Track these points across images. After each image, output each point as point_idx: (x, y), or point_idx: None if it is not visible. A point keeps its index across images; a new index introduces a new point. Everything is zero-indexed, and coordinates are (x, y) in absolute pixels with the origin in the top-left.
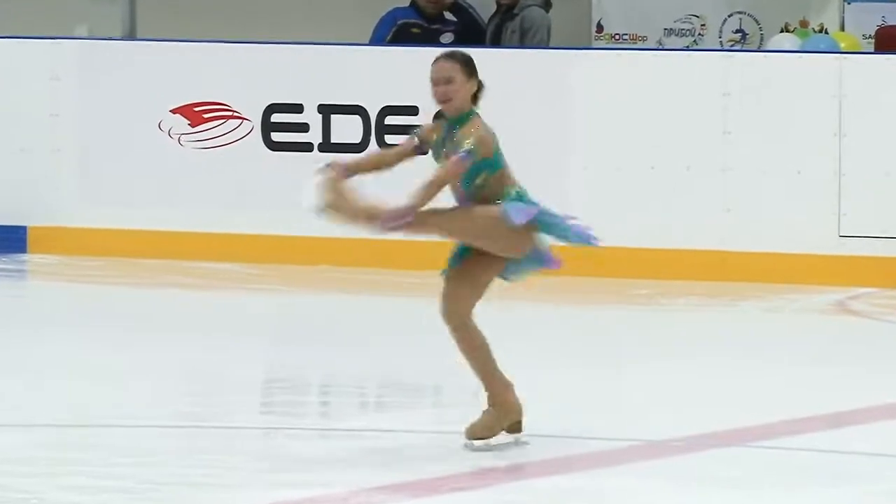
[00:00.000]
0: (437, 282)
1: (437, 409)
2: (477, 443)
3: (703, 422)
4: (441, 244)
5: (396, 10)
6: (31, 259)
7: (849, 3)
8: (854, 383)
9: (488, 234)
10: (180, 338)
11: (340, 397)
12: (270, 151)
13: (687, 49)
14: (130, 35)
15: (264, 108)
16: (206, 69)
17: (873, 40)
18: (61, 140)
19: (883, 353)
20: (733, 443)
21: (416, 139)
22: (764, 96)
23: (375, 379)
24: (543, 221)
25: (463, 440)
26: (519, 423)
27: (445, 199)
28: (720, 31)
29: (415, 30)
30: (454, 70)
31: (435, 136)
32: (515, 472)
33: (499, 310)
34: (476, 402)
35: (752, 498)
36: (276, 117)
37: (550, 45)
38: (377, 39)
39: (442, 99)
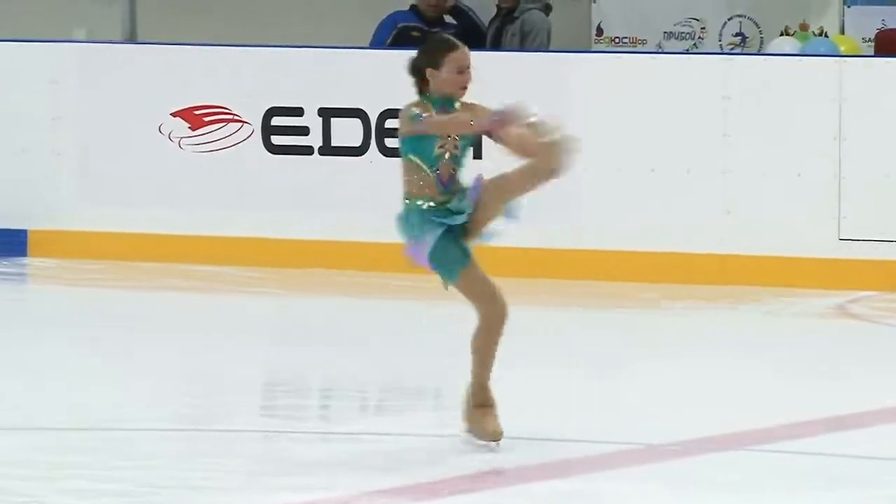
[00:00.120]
0: (434, 286)
1: (437, 413)
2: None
3: (701, 425)
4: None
5: (397, 13)
6: (31, 262)
7: (848, 7)
8: (854, 386)
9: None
10: (180, 341)
11: (341, 400)
12: (271, 154)
13: (687, 52)
14: (131, 38)
15: (264, 111)
16: (207, 72)
17: (873, 44)
18: (62, 143)
19: (883, 357)
20: (732, 446)
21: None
22: (764, 99)
23: (376, 382)
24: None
25: (489, 445)
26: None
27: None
28: (720, 35)
29: (415, 33)
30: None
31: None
32: (514, 475)
33: None
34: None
35: (752, 502)
36: (277, 120)
37: (550, 48)
38: (377, 43)
39: (465, 85)
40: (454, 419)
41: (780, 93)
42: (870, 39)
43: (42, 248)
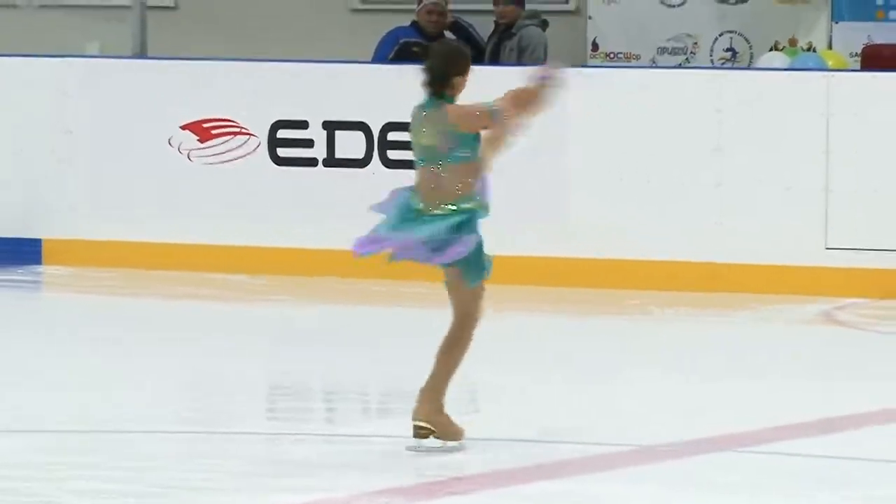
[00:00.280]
0: (434, 292)
1: None
2: (450, 443)
3: (693, 427)
4: None
5: (398, 29)
6: (45, 270)
7: (836, 23)
8: (841, 389)
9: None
10: (187, 345)
11: (344, 403)
12: (276, 166)
13: (680, 67)
14: (141, 53)
15: (271, 124)
16: (215, 87)
17: (860, 58)
18: (74, 157)
19: (868, 362)
20: (725, 448)
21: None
22: (754, 112)
23: (378, 386)
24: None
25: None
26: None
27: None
28: (711, 50)
29: (416, 49)
30: None
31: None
32: (509, 477)
33: (493, 318)
34: (472, 409)
35: (745, 502)
36: (282, 133)
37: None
38: (380, 58)
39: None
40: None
41: (770, 106)
42: (856, 54)
43: (56, 256)
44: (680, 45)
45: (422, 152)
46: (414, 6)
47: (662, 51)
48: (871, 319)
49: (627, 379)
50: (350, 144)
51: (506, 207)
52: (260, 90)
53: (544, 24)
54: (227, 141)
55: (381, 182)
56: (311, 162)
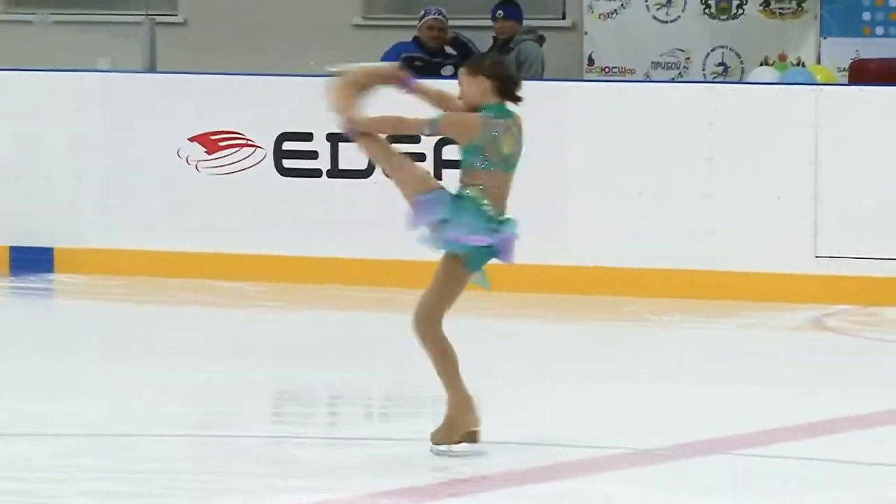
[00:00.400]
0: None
1: (438, 419)
2: (440, 447)
3: (686, 431)
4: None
5: (400, 44)
6: (57, 278)
7: (824, 39)
8: (831, 394)
9: (400, 183)
10: (195, 352)
11: (347, 408)
12: (282, 177)
13: (673, 81)
14: (151, 68)
15: (276, 136)
16: (222, 100)
17: (847, 73)
18: (85, 168)
19: (857, 367)
20: (717, 451)
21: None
22: (745, 125)
23: (380, 390)
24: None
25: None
26: (474, 433)
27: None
28: (703, 64)
29: (418, 63)
30: (462, 76)
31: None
32: (507, 479)
33: (489, 325)
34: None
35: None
36: (288, 145)
37: (545, 76)
38: None
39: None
40: None
41: (761, 119)
42: (844, 69)
43: (67, 265)
44: (673, 59)
45: (508, 160)
46: (415, 22)
47: (656, 65)
48: (858, 326)
49: (621, 383)
50: (353, 156)
51: None
52: (266, 103)
53: (541, 40)
54: (234, 152)
55: (384, 193)
56: (316, 173)
